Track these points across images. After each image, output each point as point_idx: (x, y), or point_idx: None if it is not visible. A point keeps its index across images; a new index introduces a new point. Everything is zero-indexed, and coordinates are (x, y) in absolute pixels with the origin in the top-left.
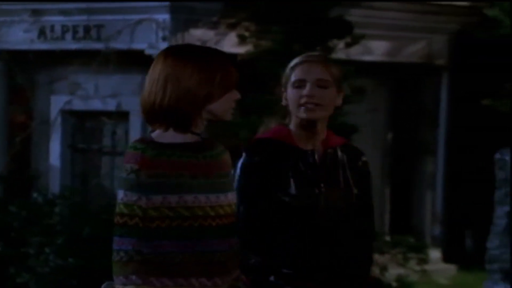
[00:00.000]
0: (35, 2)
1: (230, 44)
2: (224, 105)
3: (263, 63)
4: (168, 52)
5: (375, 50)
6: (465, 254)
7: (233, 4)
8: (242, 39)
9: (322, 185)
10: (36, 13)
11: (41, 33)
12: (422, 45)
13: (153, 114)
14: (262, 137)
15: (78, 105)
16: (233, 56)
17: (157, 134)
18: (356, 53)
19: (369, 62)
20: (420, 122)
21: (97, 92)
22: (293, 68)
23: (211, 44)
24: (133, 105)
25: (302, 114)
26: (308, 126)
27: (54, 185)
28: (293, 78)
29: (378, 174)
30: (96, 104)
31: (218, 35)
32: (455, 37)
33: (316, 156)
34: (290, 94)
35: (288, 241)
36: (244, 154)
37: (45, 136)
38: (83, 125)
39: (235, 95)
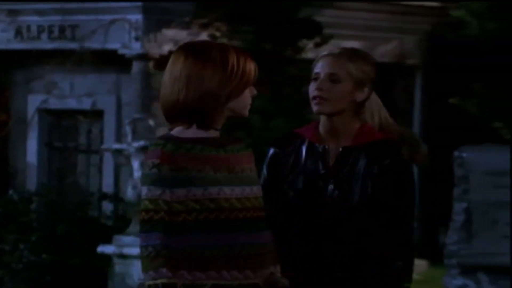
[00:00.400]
0: (11, 2)
1: None
2: (244, 102)
3: None
4: (188, 51)
5: None
6: (437, 250)
7: (205, 5)
8: (213, 39)
9: (331, 180)
10: (12, 13)
11: (18, 33)
12: (394, 45)
13: (176, 113)
14: (291, 132)
15: (54, 104)
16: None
17: (178, 131)
18: None
19: None
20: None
21: (72, 91)
22: (314, 64)
23: None
24: (108, 104)
25: (313, 107)
26: (326, 121)
27: (31, 182)
28: (312, 72)
29: None
30: (71, 103)
31: (190, 35)
32: (427, 37)
33: (330, 153)
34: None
35: (290, 239)
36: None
37: (22, 135)
38: (59, 124)
39: (252, 90)
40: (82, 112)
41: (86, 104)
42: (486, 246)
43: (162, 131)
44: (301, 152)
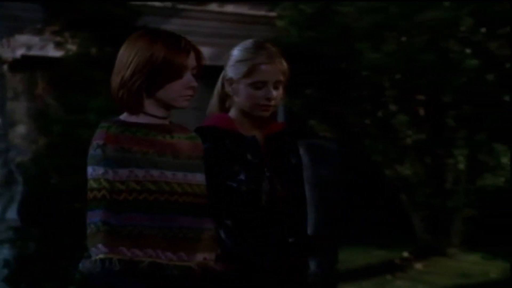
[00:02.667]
0: None
1: (54, 49)
2: (172, 93)
3: (77, 66)
4: (127, 41)
5: None
6: None
7: (51, 14)
8: (60, 45)
9: (265, 169)
10: None
11: None
12: None
13: (114, 98)
14: (206, 126)
15: None
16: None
17: (124, 116)
18: None
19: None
20: None
21: None
22: (256, 65)
23: (36, 50)
24: None
25: (262, 113)
26: (250, 116)
27: None
28: (255, 77)
29: None
30: None
31: (42, 41)
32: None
33: (259, 142)
34: (247, 92)
35: (235, 227)
36: None
37: None
38: None
39: (189, 83)
40: None
41: None
42: None
43: (12, 131)
44: (231, 143)
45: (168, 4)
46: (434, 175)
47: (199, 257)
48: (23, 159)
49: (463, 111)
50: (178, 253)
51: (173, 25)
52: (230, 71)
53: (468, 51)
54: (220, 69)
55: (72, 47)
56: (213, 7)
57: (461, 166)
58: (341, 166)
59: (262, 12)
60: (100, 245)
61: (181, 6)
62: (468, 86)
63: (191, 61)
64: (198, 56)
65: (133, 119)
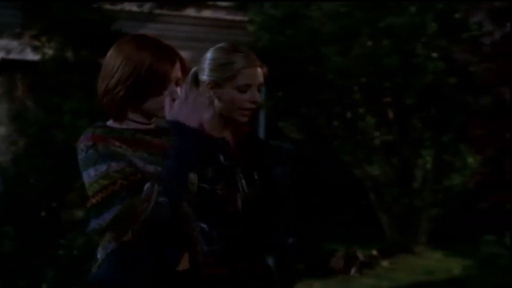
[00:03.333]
0: None
1: (32, 53)
2: (154, 104)
3: (53, 69)
4: (113, 47)
5: None
6: None
7: (30, 18)
8: (37, 49)
9: (238, 170)
10: None
11: None
12: None
13: (100, 105)
14: None
15: None
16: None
17: (110, 122)
18: None
19: None
20: None
21: None
22: (242, 69)
23: (15, 53)
24: None
25: (241, 117)
26: (227, 120)
27: None
28: (240, 80)
29: None
30: None
31: (21, 45)
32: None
33: (230, 144)
34: (231, 95)
35: (210, 228)
36: None
37: None
38: None
39: (171, 94)
40: None
41: None
42: None
43: None
44: (203, 145)
45: (145, 9)
46: (402, 175)
47: (194, 253)
48: (2, 160)
49: (429, 113)
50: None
51: (149, 30)
52: (209, 75)
53: (434, 55)
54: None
55: (48, 51)
56: (190, 12)
57: (428, 166)
58: (293, 168)
59: (239, 17)
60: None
61: (158, 11)
62: (432, 89)
63: (176, 72)
64: (184, 67)
65: (118, 125)
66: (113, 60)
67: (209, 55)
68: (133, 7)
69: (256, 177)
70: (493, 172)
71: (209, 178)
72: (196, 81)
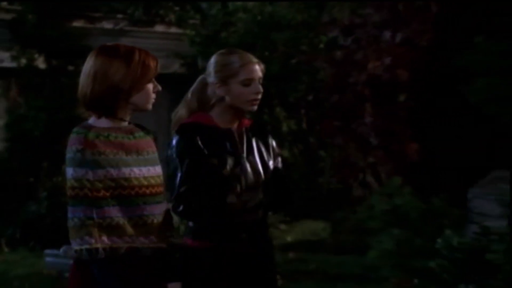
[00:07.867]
0: None
1: (8, 60)
2: (146, 96)
3: (26, 75)
4: (99, 50)
5: None
6: None
7: (10, 33)
8: (14, 58)
9: (243, 155)
10: None
11: None
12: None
13: (87, 104)
14: (188, 122)
15: None
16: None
17: (93, 120)
18: None
19: None
20: None
21: None
22: (242, 66)
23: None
24: None
25: (251, 108)
26: (237, 112)
27: None
28: (242, 76)
29: None
30: None
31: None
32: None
33: (235, 134)
34: (237, 90)
35: (219, 208)
36: (178, 136)
37: None
38: None
39: (156, 87)
40: None
41: None
42: None
43: None
44: (213, 136)
45: (117, 26)
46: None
47: (164, 236)
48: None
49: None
50: (149, 236)
51: (117, 41)
52: (216, 76)
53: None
54: (165, 76)
55: (23, 60)
56: (159, 28)
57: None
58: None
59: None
60: (86, 237)
61: (128, 28)
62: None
63: (152, 72)
64: (156, 65)
65: (101, 123)
66: (112, 64)
67: (212, 60)
68: (105, 24)
69: (257, 159)
70: (339, 156)
71: (220, 162)
72: (204, 85)
